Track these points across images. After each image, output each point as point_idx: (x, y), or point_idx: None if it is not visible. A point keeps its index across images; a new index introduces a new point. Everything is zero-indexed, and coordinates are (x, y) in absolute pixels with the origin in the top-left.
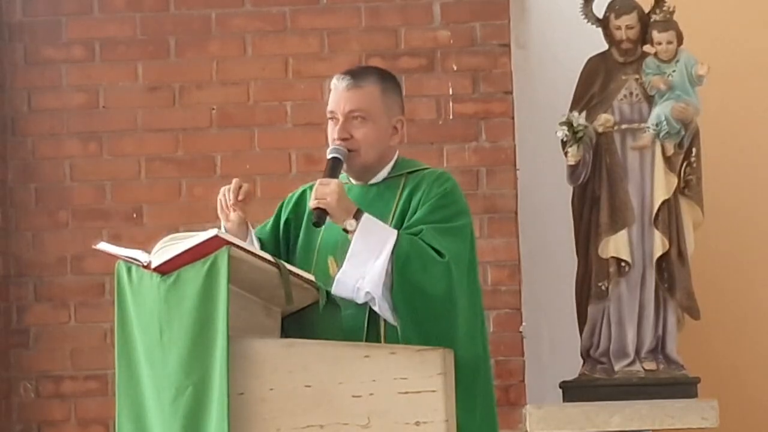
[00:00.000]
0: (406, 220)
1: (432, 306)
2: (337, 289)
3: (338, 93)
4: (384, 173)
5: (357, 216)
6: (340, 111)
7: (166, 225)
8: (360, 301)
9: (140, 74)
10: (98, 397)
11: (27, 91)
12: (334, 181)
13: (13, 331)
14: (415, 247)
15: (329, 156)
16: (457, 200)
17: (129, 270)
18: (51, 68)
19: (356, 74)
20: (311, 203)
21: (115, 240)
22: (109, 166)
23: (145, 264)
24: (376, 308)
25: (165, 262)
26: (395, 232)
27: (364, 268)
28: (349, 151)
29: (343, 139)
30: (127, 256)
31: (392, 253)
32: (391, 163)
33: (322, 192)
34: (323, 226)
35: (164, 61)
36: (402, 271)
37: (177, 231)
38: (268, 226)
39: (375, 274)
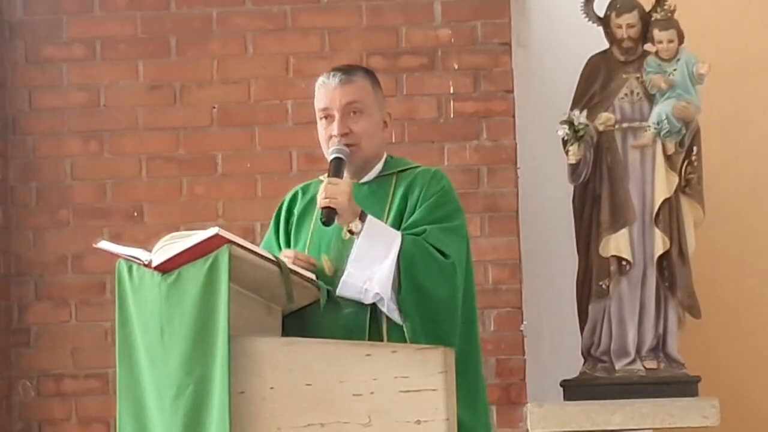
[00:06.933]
0: (404, 220)
1: (438, 307)
2: (342, 291)
3: (330, 89)
4: (375, 171)
5: (362, 218)
6: (336, 106)
7: (167, 224)
8: (368, 301)
9: (141, 73)
10: (99, 396)
11: (28, 89)
12: (344, 181)
13: (13, 330)
14: (419, 249)
15: (331, 156)
16: (454, 198)
17: (130, 269)
18: (52, 67)
19: (346, 70)
20: (321, 202)
21: (116, 239)
22: (110, 164)
23: (146, 263)
24: (384, 309)
25: (166, 261)
26: (399, 234)
27: (371, 270)
28: (350, 146)
29: (344, 134)
30: (128, 255)
31: (398, 254)
32: (382, 161)
33: (332, 191)
34: (329, 227)
35: (165, 60)
36: (408, 272)
37: (178, 230)
38: (269, 233)
39: (383, 275)
